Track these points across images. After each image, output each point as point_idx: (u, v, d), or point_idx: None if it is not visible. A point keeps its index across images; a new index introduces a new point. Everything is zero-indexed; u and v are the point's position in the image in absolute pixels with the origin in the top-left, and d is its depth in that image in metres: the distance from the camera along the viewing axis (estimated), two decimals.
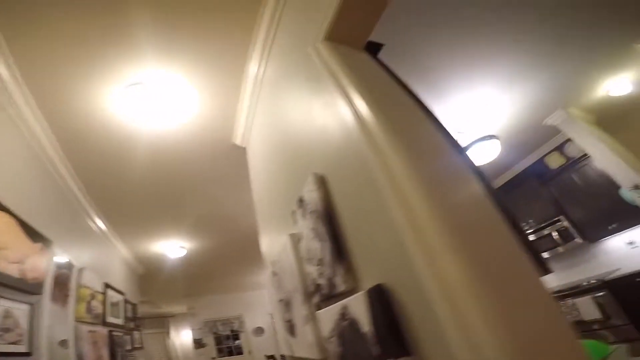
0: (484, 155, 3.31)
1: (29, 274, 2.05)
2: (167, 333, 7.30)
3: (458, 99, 2.86)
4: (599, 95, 3.49)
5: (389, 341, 0.75)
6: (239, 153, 2.58)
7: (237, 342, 7.82)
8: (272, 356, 6.39)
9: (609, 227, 3.59)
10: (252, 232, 4.58)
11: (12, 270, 1.90)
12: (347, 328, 0.96)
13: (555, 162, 4.19)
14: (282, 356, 6.14)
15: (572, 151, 3.97)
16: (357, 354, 0.91)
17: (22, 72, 1.70)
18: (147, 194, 3.07)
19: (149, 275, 5.25)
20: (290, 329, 1.64)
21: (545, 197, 4.19)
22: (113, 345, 3.15)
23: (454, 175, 0.76)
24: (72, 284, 2.64)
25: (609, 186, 3.46)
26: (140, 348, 4.43)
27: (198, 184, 3.06)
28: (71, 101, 1.91)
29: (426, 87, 2.60)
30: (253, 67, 1.94)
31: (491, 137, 3.28)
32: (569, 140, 3.89)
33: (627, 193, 3.27)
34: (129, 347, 3.72)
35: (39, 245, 2.21)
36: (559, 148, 4.13)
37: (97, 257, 3.34)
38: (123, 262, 4.28)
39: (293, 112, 1.48)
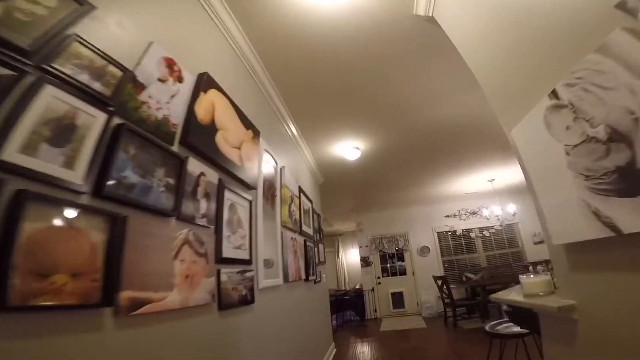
0: None
1: (245, 162, 1.62)
2: (337, 252, 7.73)
3: None
4: None
5: None
6: (423, 26, 2.13)
7: (401, 263, 7.58)
8: (442, 277, 5.81)
9: None
10: (438, 127, 3.89)
11: (234, 156, 1.49)
12: None
13: None
14: (442, 278, 5.70)
15: None
16: None
17: None
18: (329, 89, 2.80)
19: (327, 186, 5.11)
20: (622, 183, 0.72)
21: None
22: (307, 256, 2.92)
23: None
24: (278, 182, 2.31)
25: None
26: (324, 263, 4.45)
27: (375, 70, 2.63)
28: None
29: None
30: None
31: None
32: None
33: None
34: (317, 261, 3.60)
35: (250, 132, 1.77)
36: None
37: (291, 160, 3.02)
38: (308, 169, 4.07)
39: None
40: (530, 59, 1.09)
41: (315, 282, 3.31)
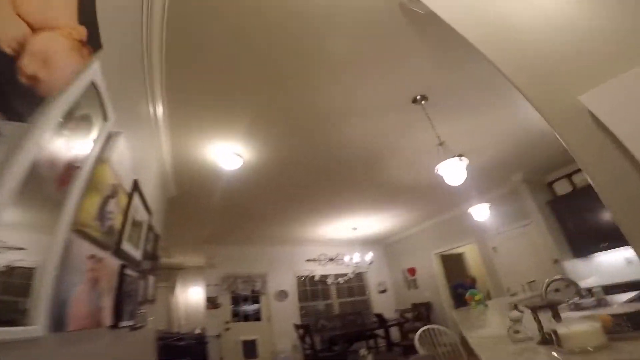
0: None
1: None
2: (173, 288, 6.13)
3: None
4: None
5: None
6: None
7: (255, 307, 6.62)
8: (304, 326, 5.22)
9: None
10: (339, 151, 3.53)
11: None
12: None
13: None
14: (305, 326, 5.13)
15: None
16: None
17: None
18: (221, 55, 2.13)
19: (179, 202, 3.93)
20: None
21: None
22: (121, 290, 1.77)
23: None
24: (95, 149, 1.26)
25: None
26: (152, 302, 3.13)
27: (292, 45, 2.10)
28: None
29: None
30: None
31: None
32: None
33: None
34: (140, 298, 2.37)
35: (80, 29, 0.82)
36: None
37: (139, 144, 1.99)
38: (159, 171, 2.93)
39: None
40: None
41: (133, 328, 2.09)
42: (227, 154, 3.17)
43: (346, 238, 7.44)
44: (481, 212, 3.92)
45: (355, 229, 6.83)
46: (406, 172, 4.40)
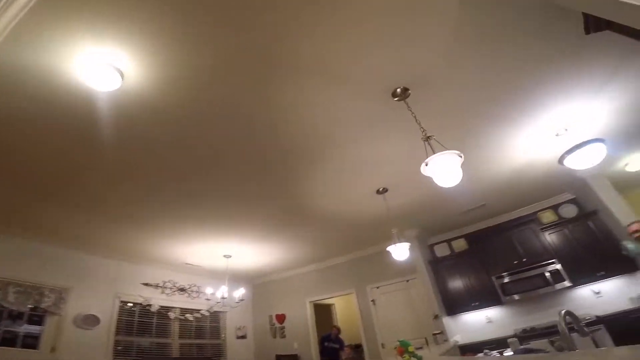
0: (586, 160, 2.88)
1: None
2: None
3: None
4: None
5: None
6: None
7: (33, 329, 3.96)
8: None
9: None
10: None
11: None
12: None
13: (547, 218, 4.81)
14: None
15: (567, 212, 4.74)
16: None
17: None
18: None
19: None
20: None
21: (543, 241, 4.65)
22: None
23: None
24: None
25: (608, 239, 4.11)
26: None
27: None
28: None
29: None
30: None
31: (596, 140, 2.82)
32: (565, 202, 4.81)
33: (630, 245, 3.73)
34: None
35: None
36: (554, 207, 4.87)
37: None
38: None
39: None
40: None
41: None
42: (104, 63, 1.86)
43: (211, 267, 5.88)
44: (401, 251, 3.58)
45: (228, 256, 5.47)
46: (336, 189, 3.77)
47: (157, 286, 5.60)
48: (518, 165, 3.79)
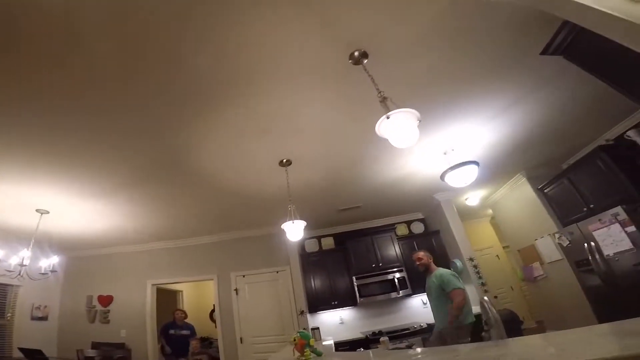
0: (462, 178, 3.39)
1: None
2: None
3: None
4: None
5: None
6: None
7: None
8: None
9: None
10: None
11: None
12: None
13: (401, 231, 5.66)
14: None
15: (416, 228, 5.74)
16: None
17: None
18: None
19: None
20: None
21: (396, 250, 5.33)
22: None
23: None
24: None
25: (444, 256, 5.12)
26: None
27: None
28: None
29: None
30: None
31: (472, 162, 3.37)
32: (416, 220, 5.82)
33: (458, 262, 4.77)
34: None
35: None
36: (408, 223, 5.80)
37: None
38: None
39: None
40: None
41: None
42: None
43: (9, 223, 4.07)
44: (297, 230, 3.27)
45: (44, 212, 3.88)
46: (232, 149, 3.08)
47: None
48: (403, 174, 4.13)
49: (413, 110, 1.84)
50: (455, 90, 2.71)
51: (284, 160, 3.37)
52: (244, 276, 5.17)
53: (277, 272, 5.17)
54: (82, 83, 2.09)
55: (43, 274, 3.97)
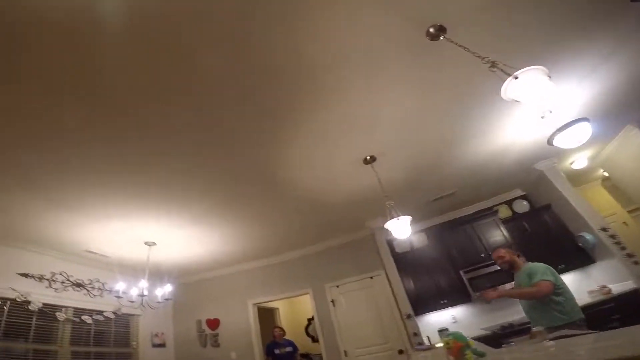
0: (575, 138, 2.74)
1: None
2: None
3: None
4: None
5: None
6: None
7: None
8: None
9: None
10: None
11: None
12: None
13: (503, 213, 4.90)
14: None
15: (520, 207, 4.95)
16: None
17: None
18: None
19: None
20: None
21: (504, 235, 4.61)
22: None
23: None
24: None
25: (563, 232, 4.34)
26: None
27: None
28: None
29: None
30: None
31: (582, 119, 2.72)
32: (518, 198, 5.05)
33: (588, 236, 3.98)
34: None
35: None
36: (509, 203, 5.02)
37: None
38: None
39: None
40: None
41: None
42: None
43: (123, 258, 4.47)
44: (403, 227, 2.96)
45: (151, 244, 4.21)
46: (315, 154, 3.02)
47: (41, 278, 4.01)
48: (498, 147, 3.71)
49: (541, 67, 1.60)
50: (546, 50, 2.44)
51: (368, 157, 3.23)
52: (337, 286, 4.97)
53: (371, 277, 4.87)
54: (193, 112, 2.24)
55: (160, 302, 4.25)
